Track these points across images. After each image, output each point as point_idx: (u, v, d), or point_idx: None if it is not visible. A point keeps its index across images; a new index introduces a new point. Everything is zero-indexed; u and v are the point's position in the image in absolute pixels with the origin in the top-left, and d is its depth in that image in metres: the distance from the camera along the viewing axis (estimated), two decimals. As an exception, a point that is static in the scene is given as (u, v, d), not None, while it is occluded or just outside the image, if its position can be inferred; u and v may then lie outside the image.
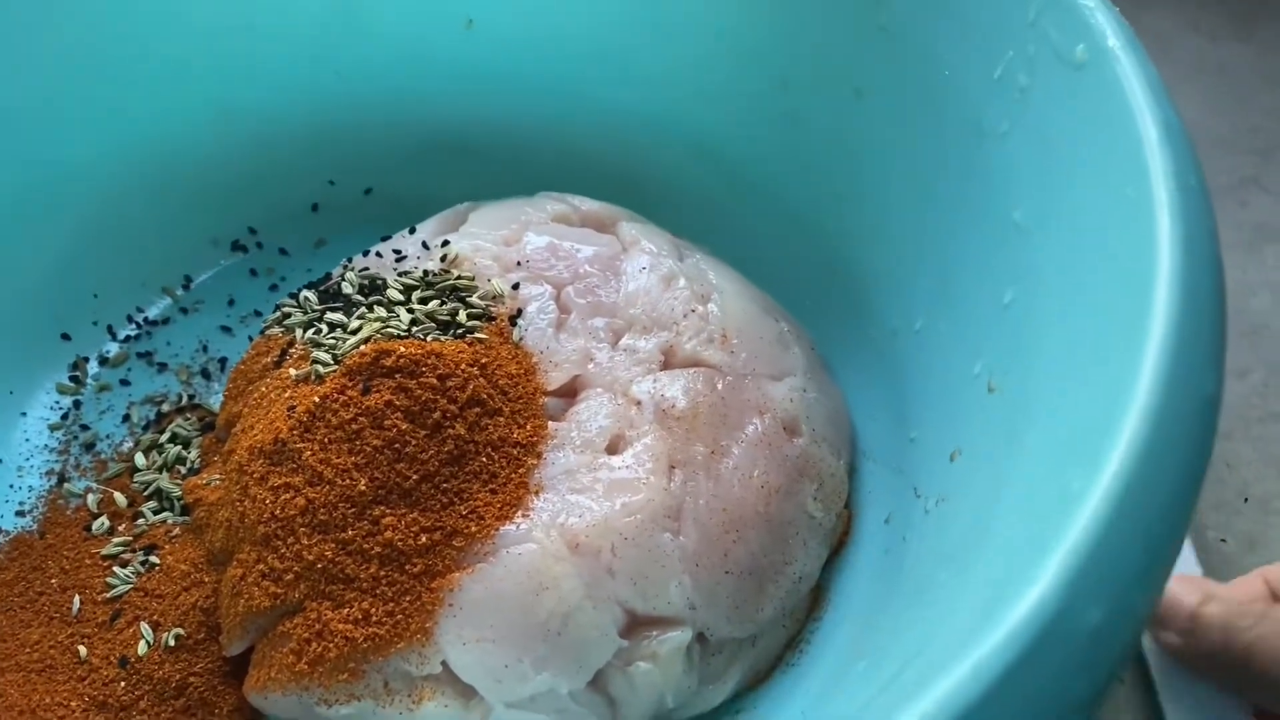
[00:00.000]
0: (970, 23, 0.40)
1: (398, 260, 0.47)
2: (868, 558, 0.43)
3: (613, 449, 0.41)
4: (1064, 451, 0.28)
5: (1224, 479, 0.49)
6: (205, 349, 0.52)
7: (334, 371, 0.40)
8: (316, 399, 0.40)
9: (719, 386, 0.43)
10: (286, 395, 0.41)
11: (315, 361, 0.42)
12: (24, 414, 0.50)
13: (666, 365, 0.43)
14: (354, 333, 0.42)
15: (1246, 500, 0.49)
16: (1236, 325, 0.55)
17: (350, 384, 0.40)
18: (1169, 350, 0.27)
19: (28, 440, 0.49)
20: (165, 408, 0.50)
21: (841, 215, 0.48)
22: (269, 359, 0.45)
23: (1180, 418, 0.26)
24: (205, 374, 0.51)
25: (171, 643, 0.41)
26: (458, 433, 0.39)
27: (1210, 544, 0.48)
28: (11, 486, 0.47)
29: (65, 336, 0.52)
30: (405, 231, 0.48)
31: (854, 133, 0.46)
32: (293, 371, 0.42)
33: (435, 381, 0.40)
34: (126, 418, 0.50)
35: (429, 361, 0.40)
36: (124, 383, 0.51)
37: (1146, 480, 0.25)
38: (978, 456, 0.36)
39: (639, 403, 0.42)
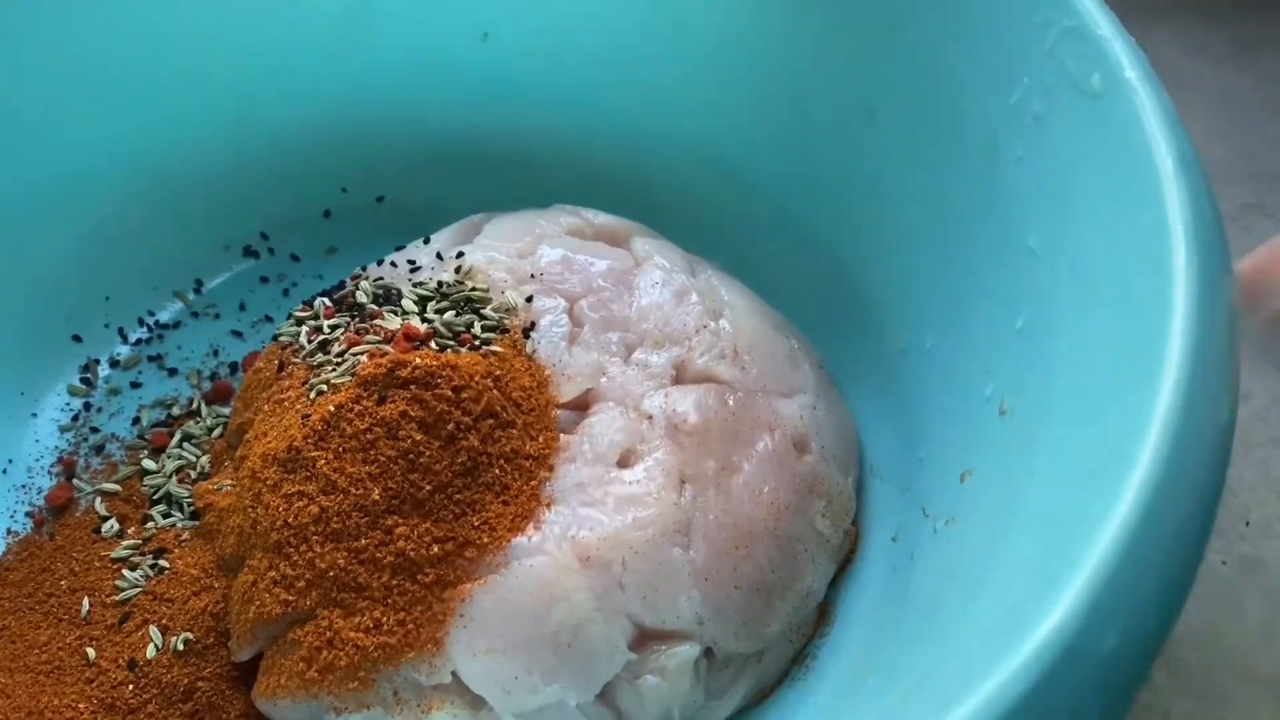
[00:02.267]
0: (987, 47, 0.40)
1: (412, 270, 0.47)
2: (875, 575, 0.43)
3: (624, 463, 0.41)
4: (1080, 476, 0.29)
5: (1225, 502, 0.49)
6: (216, 353, 0.53)
7: (348, 381, 0.41)
8: (331, 408, 0.40)
9: (730, 402, 0.43)
10: (300, 404, 0.42)
11: (325, 369, 0.42)
12: (34, 415, 0.50)
13: (678, 380, 0.44)
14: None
15: (1248, 524, 0.49)
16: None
17: (365, 394, 0.40)
18: (1185, 379, 0.27)
19: (38, 441, 0.49)
20: (175, 411, 0.50)
21: (853, 232, 0.48)
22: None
23: (1196, 446, 0.27)
24: (215, 378, 0.52)
25: (180, 647, 0.41)
26: (471, 444, 0.40)
27: (1211, 566, 0.48)
28: (23, 487, 0.48)
29: (76, 338, 0.52)
30: (420, 242, 0.48)
31: (868, 151, 0.47)
32: (305, 380, 0.43)
33: (450, 393, 0.40)
34: (136, 420, 0.50)
35: (444, 373, 0.40)
36: (134, 385, 0.51)
37: (1164, 506, 0.26)
38: (989, 478, 0.36)
39: (650, 417, 0.42)
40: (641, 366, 0.44)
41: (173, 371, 0.52)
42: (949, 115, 0.42)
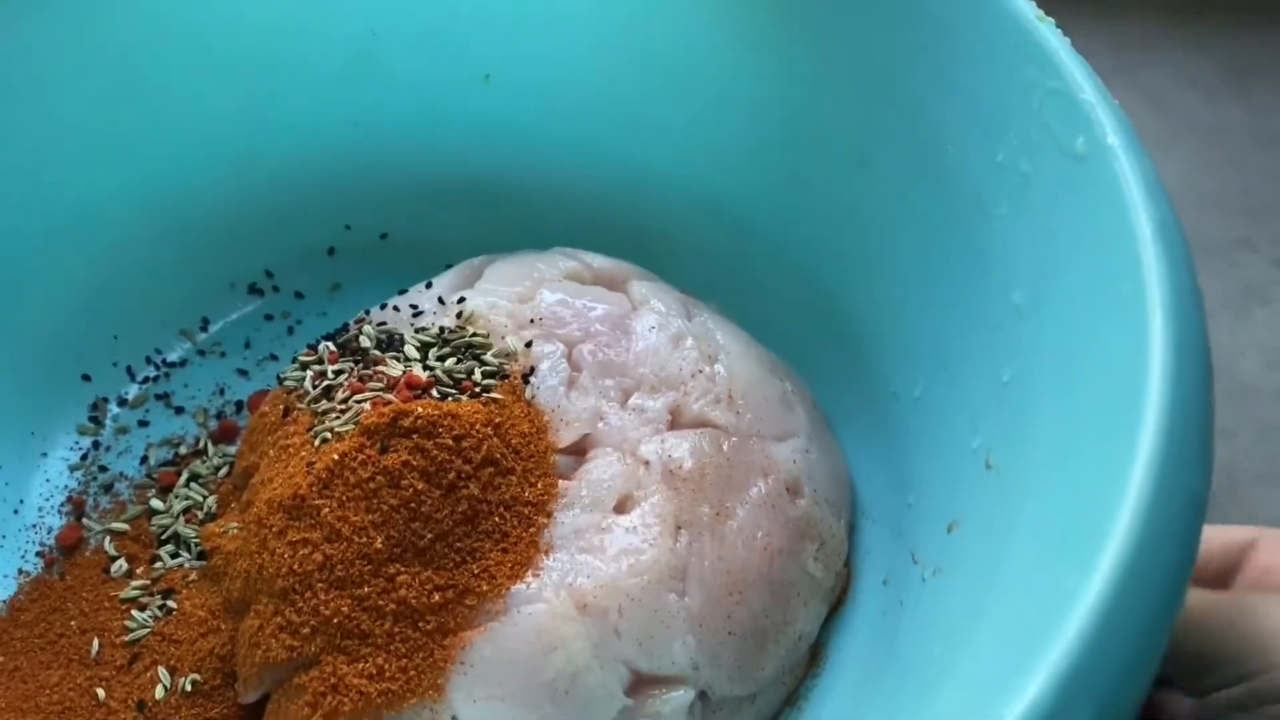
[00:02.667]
0: (975, 106, 0.41)
1: (414, 315, 0.48)
2: (865, 618, 0.44)
3: (621, 508, 0.42)
4: (1058, 545, 0.30)
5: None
6: (222, 392, 0.54)
7: (352, 430, 0.42)
8: (335, 457, 0.41)
9: (724, 448, 0.44)
10: (305, 450, 0.43)
11: (329, 416, 0.43)
12: (45, 455, 0.51)
13: (674, 425, 0.45)
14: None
15: (1233, 562, 0.50)
16: (1225, 387, 0.56)
17: (369, 443, 0.41)
18: (1160, 453, 0.28)
19: (48, 481, 0.50)
20: (183, 450, 0.51)
21: (845, 276, 0.49)
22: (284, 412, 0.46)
23: (1170, 519, 0.28)
24: (221, 416, 0.53)
25: (188, 688, 0.42)
26: (471, 493, 0.41)
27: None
28: (33, 527, 0.49)
29: (85, 377, 0.53)
30: (422, 286, 0.49)
31: (858, 198, 0.48)
32: (310, 426, 0.44)
33: (451, 442, 0.41)
34: (144, 459, 0.51)
35: (445, 423, 0.41)
36: (142, 424, 0.53)
37: (1137, 582, 0.27)
38: (974, 534, 0.37)
39: (647, 463, 0.43)
40: (638, 411, 0.45)
41: (179, 410, 0.53)
42: (939, 168, 0.43)
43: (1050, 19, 0.39)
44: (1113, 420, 0.30)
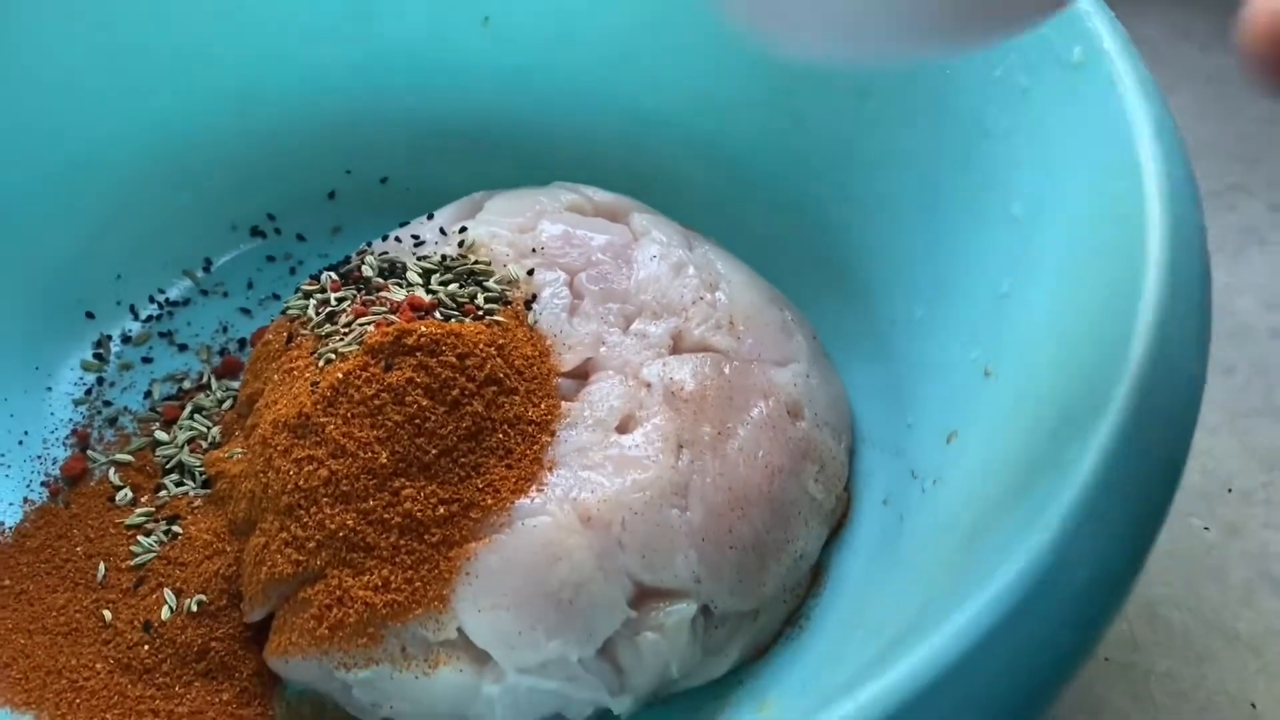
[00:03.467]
0: (972, 25, 0.41)
1: (416, 245, 0.48)
2: (866, 538, 0.44)
3: (623, 428, 0.42)
4: (1056, 426, 0.30)
5: (1209, 470, 0.51)
6: (225, 330, 0.54)
7: (356, 350, 0.42)
8: (340, 375, 0.41)
9: (726, 371, 0.44)
10: (309, 372, 0.43)
11: (332, 338, 0.43)
12: (49, 389, 0.51)
13: (675, 350, 0.45)
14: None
15: (1230, 491, 0.51)
16: (1222, 325, 0.57)
17: (373, 361, 0.41)
18: (1155, 329, 0.29)
19: (53, 414, 0.51)
20: (186, 385, 0.52)
21: (844, 209, 0.50)
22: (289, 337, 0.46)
23: (1165, 394, 0.28)
24: (225, 353, 0.53)
25: (194, 608, 0.43)
26: (475, 410, 0.41)
27: (1195, 530, 0.49)
28: (38, 458, 0.49)
29: (89, 315, 0.53)
30: (424, 218, 0.50)
31: (857, 130, 0.48)
32: (314, 350, 0.44)
33: (455, 360, 0.41)
34: (148, 394, 0.51)
35: (449, 341, 0.41)
36: (146, 361, 0.53)
37: (1134, 450, 0.27)
38: (973, 437, 0.37)
39: (649, 385, 0.43)
40: (640, 336, 0.45)
41: (183, 347, 0.53)
42: (935, 91, 0.43)
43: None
44: (1111, 307, 0.31)
